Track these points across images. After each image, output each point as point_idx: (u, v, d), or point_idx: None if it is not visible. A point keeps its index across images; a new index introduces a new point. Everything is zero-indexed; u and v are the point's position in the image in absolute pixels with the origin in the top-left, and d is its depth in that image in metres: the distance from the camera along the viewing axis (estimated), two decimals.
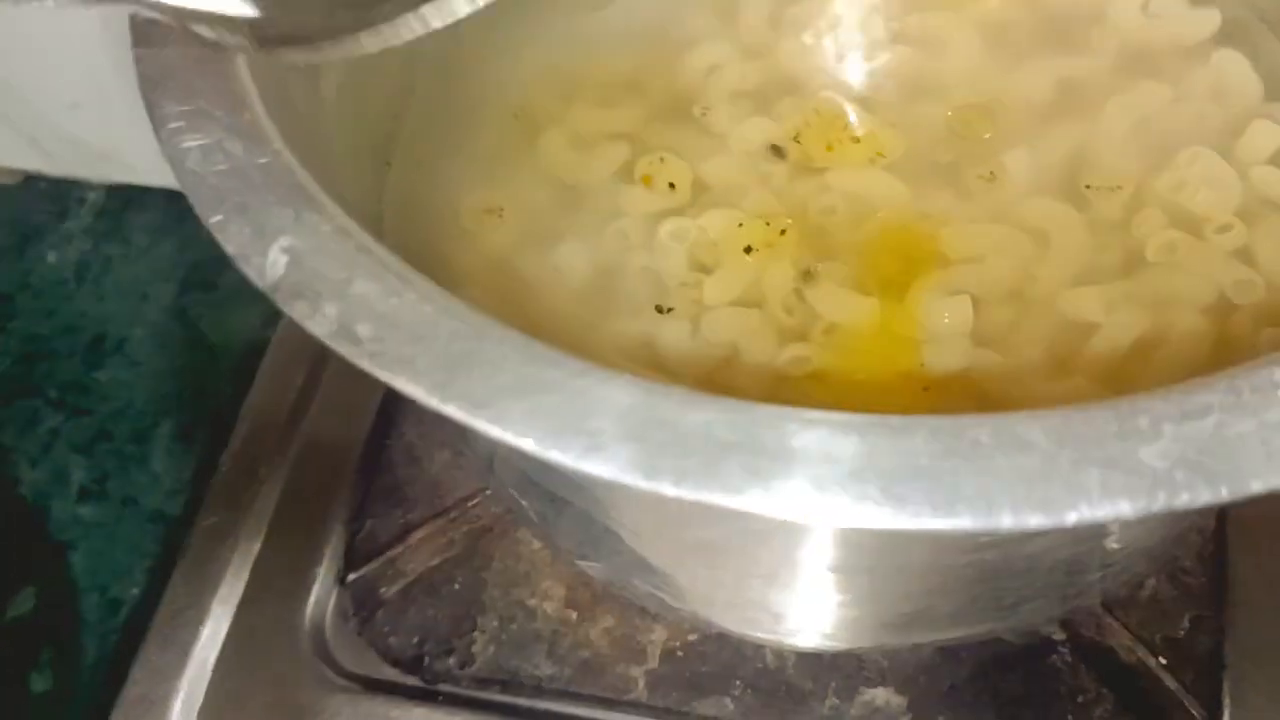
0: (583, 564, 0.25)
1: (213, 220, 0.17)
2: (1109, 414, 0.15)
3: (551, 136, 0.29)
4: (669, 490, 0.14)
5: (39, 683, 0.46)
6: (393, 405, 0.33)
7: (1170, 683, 0.26)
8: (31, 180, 0.60)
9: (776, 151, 0.28)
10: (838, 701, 0.27)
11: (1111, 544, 0.21)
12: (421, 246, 0.27)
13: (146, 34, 0.18)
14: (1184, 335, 0.25)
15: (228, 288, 0.55)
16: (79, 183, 0.59)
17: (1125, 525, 0.20)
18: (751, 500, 0.14)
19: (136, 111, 0.50)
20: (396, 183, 0.28)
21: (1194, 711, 0.26)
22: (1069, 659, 0.27)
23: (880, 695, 0.27)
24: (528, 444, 0.14)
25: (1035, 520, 0.14)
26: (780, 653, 0.28)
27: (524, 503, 0.23)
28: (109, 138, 0.57)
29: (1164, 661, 0.27)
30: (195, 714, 0.29)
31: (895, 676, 0.27)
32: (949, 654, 0.27)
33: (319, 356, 0.35)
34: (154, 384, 0.53)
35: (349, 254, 0.16)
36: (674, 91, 0.30)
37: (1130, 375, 0.24)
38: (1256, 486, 0.13)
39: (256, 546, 0.31)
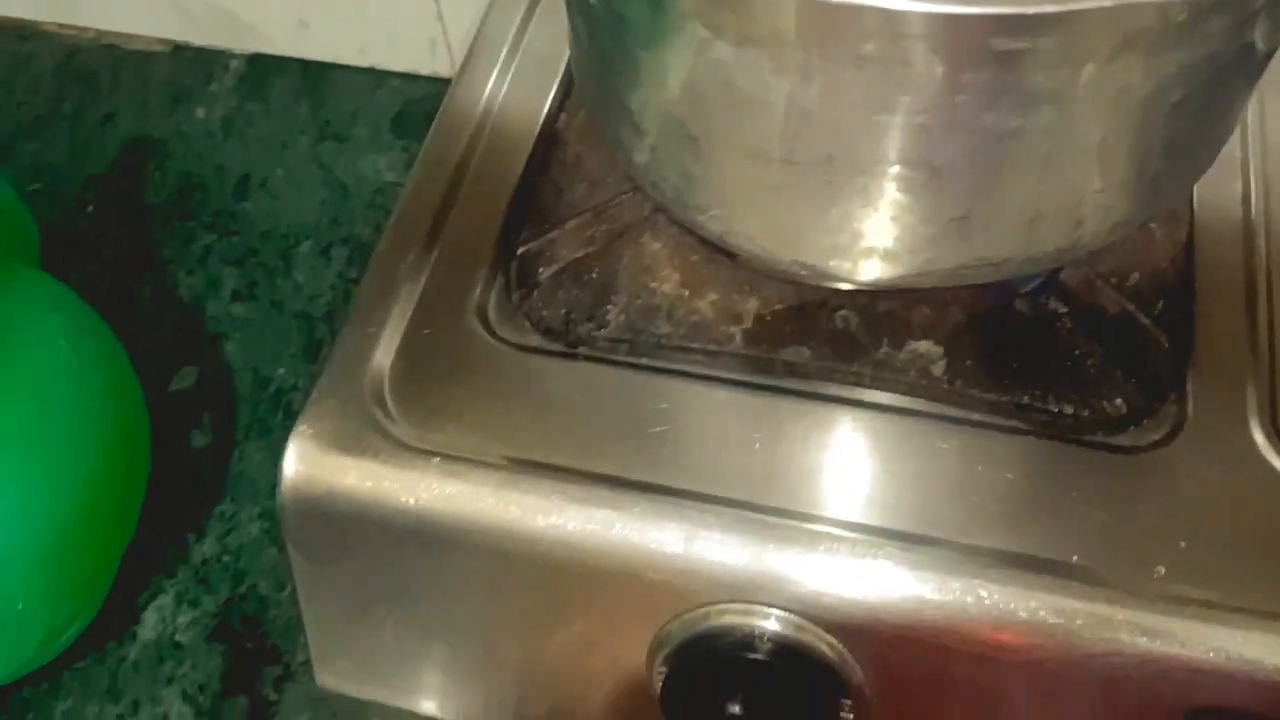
0: (699, 218, 0.33)
1: None
2: None
3: None
4: None
5: (199, 439, 0.55)
6: (537, 160, 0.42)
7: (1145, 321, 0.35)
8: (180, 49, 0.69)
9: None
10: (890, 350, 0.36)
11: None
12: None
13: None
14: None
15: (358, 140, 0.64)
16: (224, 52, 0.68)
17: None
18: None
19: None
20: None
21: (1164, 341, 0.34)
22: (1069, 325, 0.36)
23: (922, 345, 0.36)
24: None
25: None
26: (847, 316, 0.36)
27: (664, 154, 0.31)
28: (253, 11, 0.65)
29: (1142, 310, 0.35)
30: (388, 369, 0.37)
31: (934, 333, 0.36)
32: (976, 318, 0.36)
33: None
34: (295, 213, 0.61)
35: None
36: None
37: None
38: None
39: (438, 245, 0.39)
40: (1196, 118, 0.30)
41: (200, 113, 0.66)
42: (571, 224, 0.38)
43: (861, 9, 0.24)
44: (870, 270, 0.32)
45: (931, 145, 0.28)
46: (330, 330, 0.57)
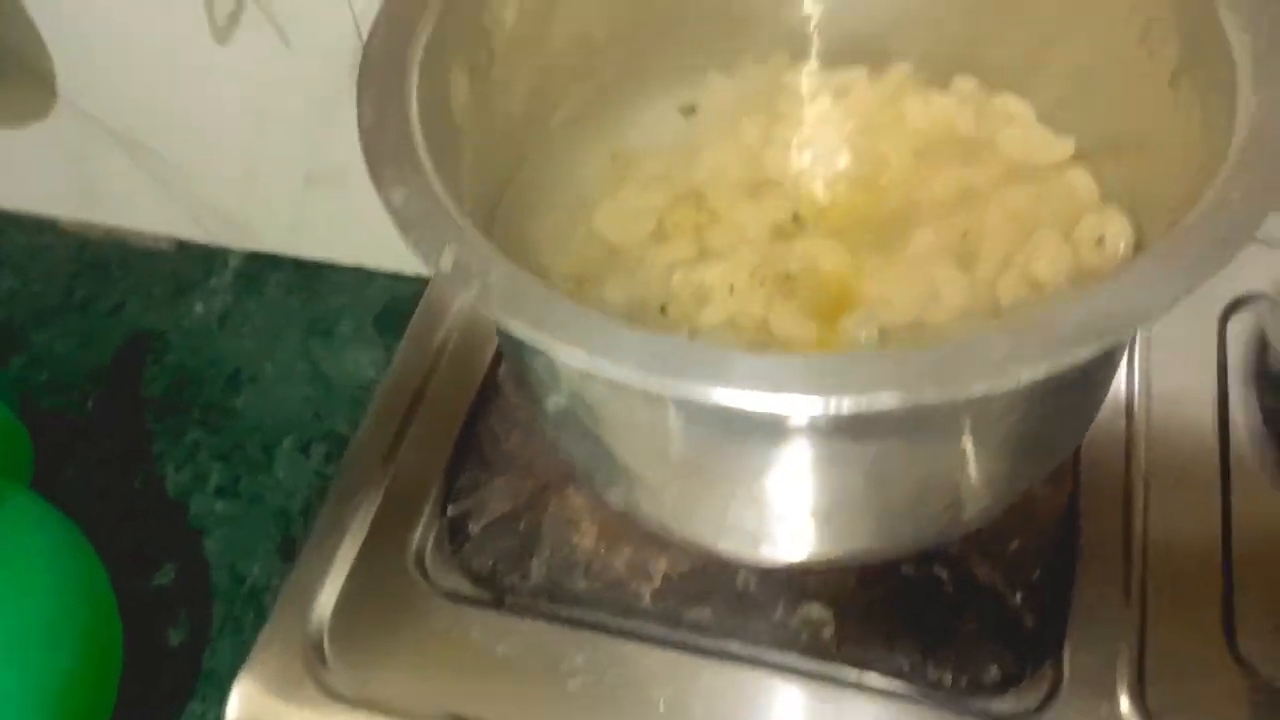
0: (606, 496, 0.36)
1: (409, 235, 0.29)
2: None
3: (603, 210, 0.42)
4: (655, 384, 0.25)
5: (176, 636, 0.58)
6: (479, 407, 0.45)
7: (1015, 598, 0.37)
8: (185, 246, 0.74)
9: (761, 225, 0.41)
10: (785, 612, 0.38)
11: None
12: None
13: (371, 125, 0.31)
14: None
15: (343, 336, 0.68)
16: (223, 249, 0.73)
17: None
18: (713, 391, 0.26)
19: (276, 191, 0.68)
20: (499, 228, 0.40)
21: (1031, 619, 0.37)
22: (950, 591, 0.38)
23: (815, 609, 0.38)
24: (580, 357, 0.26)
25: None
26: (747, 578, 0.39)
27: (567, 445, 0.35)
28: (251, 214, 0.70)
29: (1017, 592, 0.38)
30: (329, 616, 0.40)
31: (826, 596, 0.39)
32: (865, 582, 0.39)
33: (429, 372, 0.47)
34: (280, 408, 0.65)
35: (486, 257, 0.28)
36: (691, 182, 0.42)
37: None
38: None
39: (379, 496, 0.42)
40: (1063, 413, 0.33)
41: (199, 307, 0.71)
42: (501, 480, 0.42)
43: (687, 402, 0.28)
44: (757, 553, 0.35)
45: (786, 474, 0.31)
46: (306, 527, 0.60)
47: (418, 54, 0.34)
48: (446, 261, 0.28)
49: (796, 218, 0.41)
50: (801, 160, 0.43)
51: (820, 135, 0.43)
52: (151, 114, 0.65)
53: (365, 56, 0.33)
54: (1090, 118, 0.41)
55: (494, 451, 0.44)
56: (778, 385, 0.25)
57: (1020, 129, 0.42)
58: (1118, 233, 0.38)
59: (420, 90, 0.33)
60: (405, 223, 0.29)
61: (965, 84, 0.43)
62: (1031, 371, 0.25)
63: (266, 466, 0.63)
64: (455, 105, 0.37)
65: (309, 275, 0.71)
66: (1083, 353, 0.26)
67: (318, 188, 0.67)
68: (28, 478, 0.55)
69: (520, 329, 0.27)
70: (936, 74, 0.43)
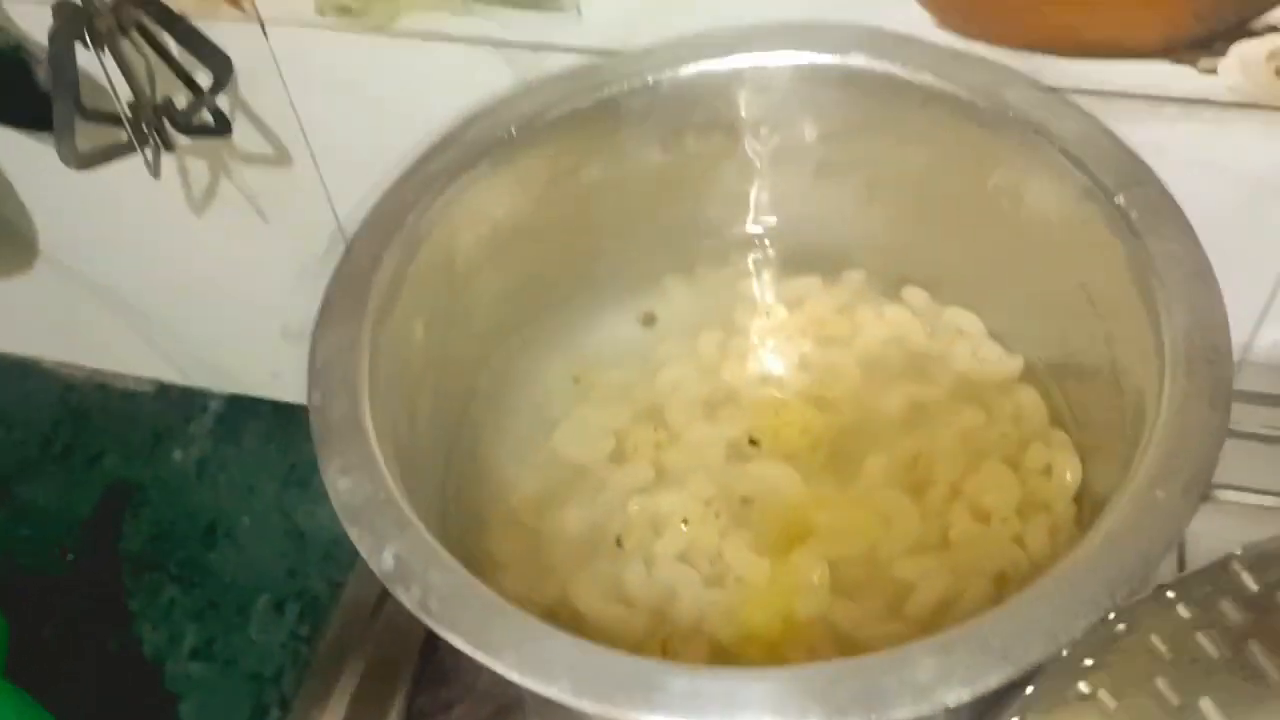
0: None
1: (351, 528, 0.30)
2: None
3: (564, 429, 0.42)
4: (589, 707, 0.26)
5: None
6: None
7: None
8: (164, 389, 0.74)
9: (717, 447, 0.41)
10: None
11: None
12: (469, 510, 0.41)
13: (322, 419, 0.31)
14: (975, 596, 0.37)
15: (318, 486, 0.68)
16: (204, 392, 0.74)
17: None
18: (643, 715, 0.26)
19: (254, 341, 0.68)
20: (455, 468, 0.41)
21: None
22: None
23: None
24: (513, 675, 0.26)
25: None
26: None
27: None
28: (231, 360, 0.71)
29: None
30: None
31: None
32: None
33: None
34: (256, 563, 0.66)
35: (428, 556, 0.29)
36: (651, 397, 0.43)
37: (937, 622, 0.36)
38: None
39: (343, 708, 0.43)
40: None
41: (178, 454, 0.71)
42: (459, 710, 0.42)
43: None
44: None
45: None
46: (279, 693, 0.60)
47: (369, 315, 0.35)
48: (387, 561, 0.29)
49: (752, 440, 0.41)
50: (758, 374, 0.43)
51: (776, 348, 0.44)
52: (132, 272, 0.66)
53: (318, 331, 0.34)
54: (1038, 338, 0.42)
55: (456, 667, 0.44)
56: (704, 711, 0.26)
57: (971, 344, 0.42)
58: (1064, 463, 0.39)
59: (373, 353, 0.34)
60: (349, 514, 0.30)
61: (916, 296, 0.44)
62: (957, 696, 0.26)
63: (241, 627, 0.63)
64: (412, 347, 0.38)
65: (288, 419, 0.72)
66: (1007, 674, 0.26)
67: (295, 341, 0.68)
68: (3, 660, 0.56)
69: (457, 641, 0.27)
70: (889, 284, 0.44)
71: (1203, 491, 0.28)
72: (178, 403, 0.74)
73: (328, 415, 0.32)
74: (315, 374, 0.33)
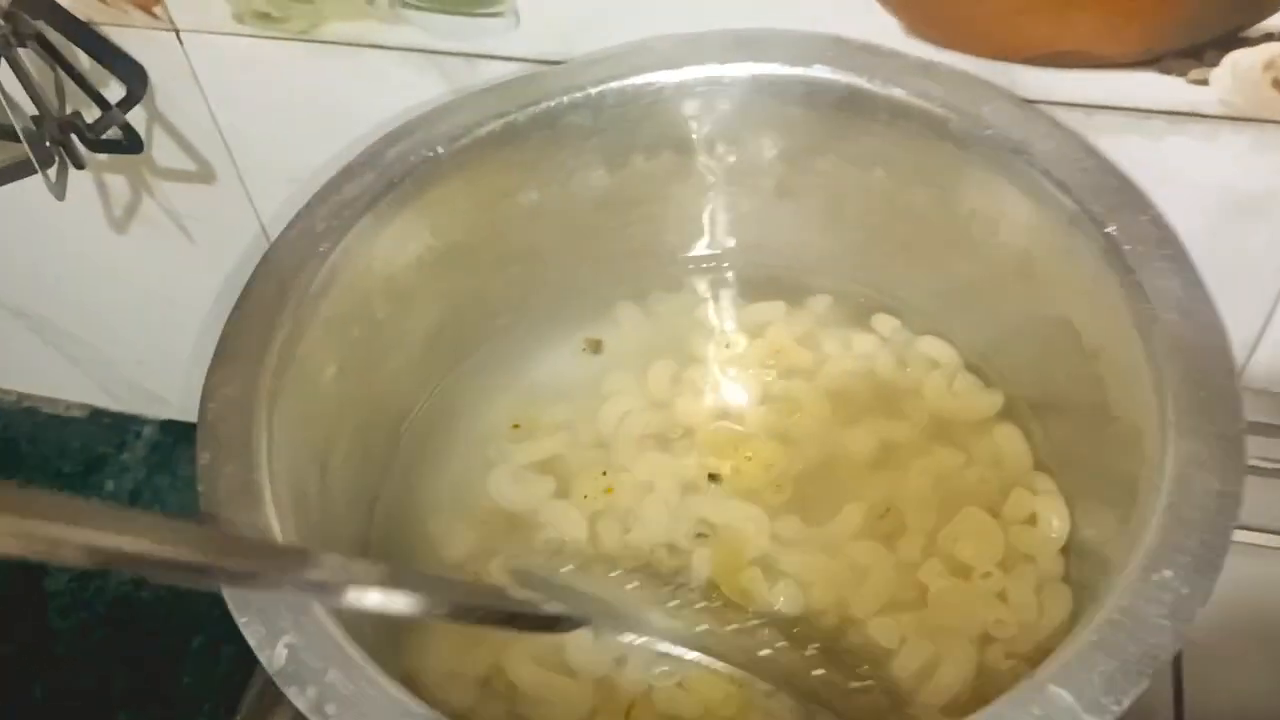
0: None
1: (239, 617, 0.26)
2: None
3: (499, 472, 0.39)
4: None
5: None
6: None
7: None
8: (97, 414, 0.70)
9: (671, 480, 0.38)
10: None
11: None
12: (400, 553, 0.37)
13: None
14: (956, 661, 0.33)
15: None
16: (137, 417, 0.70)
17: None
18: None
19: (186, 364, 0.63)
20: (383, 511, 0.37)
21: None
22: None
23: None
24: None
25: None
26: None
27: None
28: (162, 384, 0.67)
29: None
30: None
31: None
32: None
33: None
34: (189, 603, 0.62)
35: (328, 650, 0.25)
36: (594, 434, 0.39)
37: (915, 691, 0.33)
38: None
39: None
40: None
41: (110, 485, 0.67)
42: None
43: None
44: None
45: None
46: None
47: (270, 360, 0.31)
48: (279, 655, 0.25)
49: (711, 475, 0.38)
50: (715, 406, 0.40)
51: (736, 378, 0.40)
52: (55, 294, 0.62)
53: (208, 383, 0.30)
54: (1019, 371, 0.38)
55: None
56: None
57: (946, 376, 0.39)
58: (1050, 511, 0.35)
59: (273, 403, 0.30)
60: (237, 599, 0.26)
61: (887, 324, 0.40)
62: None
63: (173, 675, 0.59)
64: (323, 391, 0.34)
65: None
66: None
67: None
68: None
69: None
70: (858, 311, 0.41)
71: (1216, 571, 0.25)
72: (110, 429, 0.70)
73: (216, 479, 0.28)
74: (205, 431, 0.29)
